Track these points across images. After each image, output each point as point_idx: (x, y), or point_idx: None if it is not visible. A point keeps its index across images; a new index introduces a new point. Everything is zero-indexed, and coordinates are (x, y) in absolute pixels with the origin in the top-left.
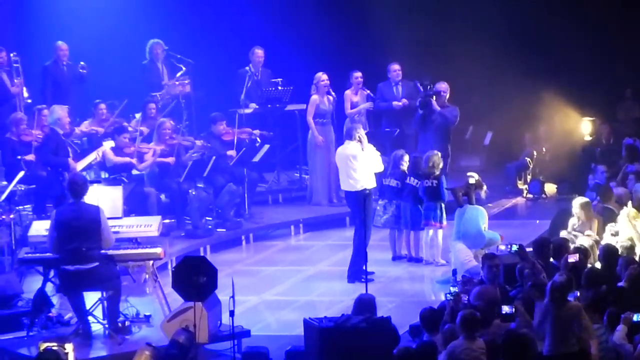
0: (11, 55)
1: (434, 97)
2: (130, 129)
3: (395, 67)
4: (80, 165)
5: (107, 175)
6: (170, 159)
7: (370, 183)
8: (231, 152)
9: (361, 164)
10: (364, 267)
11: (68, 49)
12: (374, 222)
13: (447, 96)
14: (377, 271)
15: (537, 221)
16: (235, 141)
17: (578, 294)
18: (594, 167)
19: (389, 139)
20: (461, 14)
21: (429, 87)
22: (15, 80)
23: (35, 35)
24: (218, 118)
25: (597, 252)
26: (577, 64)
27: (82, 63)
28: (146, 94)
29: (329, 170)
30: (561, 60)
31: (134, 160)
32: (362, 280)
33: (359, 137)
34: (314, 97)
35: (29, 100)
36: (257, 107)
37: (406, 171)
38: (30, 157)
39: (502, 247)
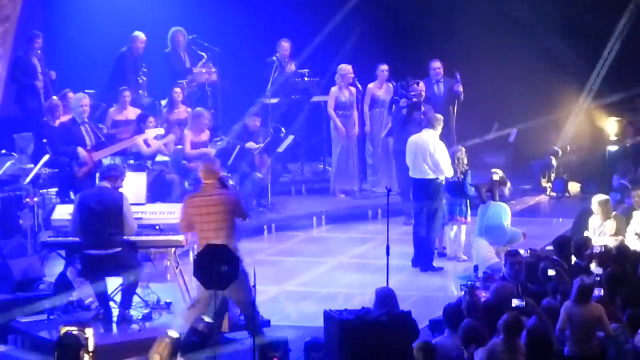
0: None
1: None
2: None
3: (436, 64)
4: (111, 150)
5: (132, 162)
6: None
7: (447, 173)
8: (250, 145)
9: (440, 153)
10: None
11: (145, 40)
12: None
13: (424, 96)
14: (400, 265)
15: (555, 220)
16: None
17: (602, 292)
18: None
19: None
20: (491, 10)
21: (411, 86)
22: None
23: (61, 22)
24: (254, 113)
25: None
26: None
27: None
28: (171, 82)
29: (347, 161)
30: (587, 59)
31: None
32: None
33: (439, 127)
34: (333, 89)
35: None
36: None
37: None
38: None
39: None
